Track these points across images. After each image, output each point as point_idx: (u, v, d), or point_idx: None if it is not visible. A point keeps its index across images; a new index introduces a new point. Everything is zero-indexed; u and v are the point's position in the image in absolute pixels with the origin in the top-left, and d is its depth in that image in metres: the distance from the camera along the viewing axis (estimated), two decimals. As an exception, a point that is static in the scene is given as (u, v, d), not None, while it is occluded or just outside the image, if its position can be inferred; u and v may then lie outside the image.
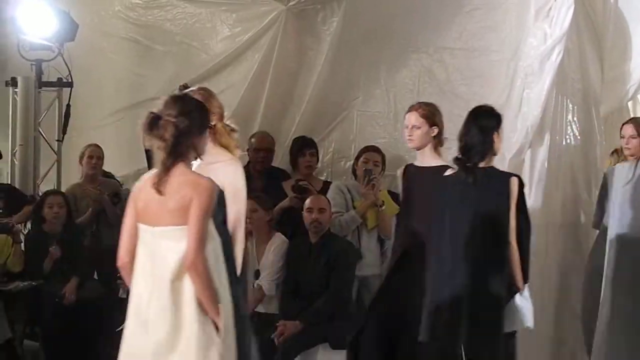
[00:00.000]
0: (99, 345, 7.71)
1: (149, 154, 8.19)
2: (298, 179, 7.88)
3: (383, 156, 7.80)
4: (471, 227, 5.71)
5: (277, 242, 7.33)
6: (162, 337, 4.47)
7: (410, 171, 6.37)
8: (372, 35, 8.51)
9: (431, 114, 6.24)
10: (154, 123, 4.53)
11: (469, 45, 8.14)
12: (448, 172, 5.91)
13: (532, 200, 7.30)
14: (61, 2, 8.92)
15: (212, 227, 4.56)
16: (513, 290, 5.75)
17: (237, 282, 4.85)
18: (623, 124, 7.13)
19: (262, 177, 8.22)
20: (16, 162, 9.15)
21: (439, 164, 6.17)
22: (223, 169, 5.09)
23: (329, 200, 7.39)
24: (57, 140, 9.29)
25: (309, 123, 8.55)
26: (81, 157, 8.65)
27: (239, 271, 5.01)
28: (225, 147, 5.28)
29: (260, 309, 7.20)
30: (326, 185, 7.99)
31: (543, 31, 7.57)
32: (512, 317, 5.77)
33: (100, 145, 8.66)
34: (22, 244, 8.15)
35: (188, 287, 4.45)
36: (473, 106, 7.77)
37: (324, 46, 8.61)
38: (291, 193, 7.75)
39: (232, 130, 5.34)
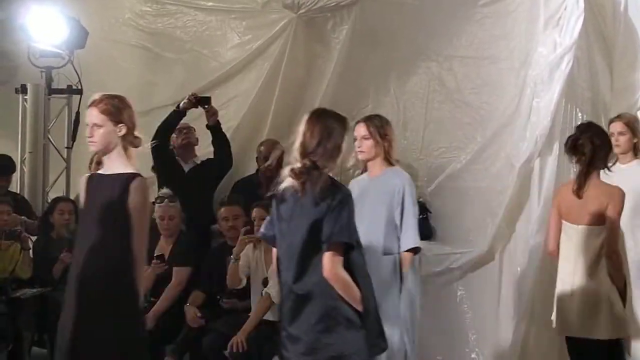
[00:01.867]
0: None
1: (155, 154, 8.19)
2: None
3: (392, 164, 7.79)
4: None
5: (286, 250, 7.30)
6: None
7: (92, 181, 5.31)
8: (382, 44, 8.49)
9: (116, 110, 5.12)
10: (575, 143, 5.82)
11: (478, 54, 8.12)
12: None
13: (541, 208, 7.30)
14: (71, 9, 8.95)
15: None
16: None
17: None
18: (611, 121, 7.11)
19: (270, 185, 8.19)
20: (25, 169, 9.17)
21: (126, 172, 5.12)
22: None
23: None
24: (67, 148, 9.31)
25: (318, 131, 8.52)
26: (90, 163, 8.64)
27: None
28: None
29: (269, 316, 7.17)
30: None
31: (553, 40, 7.54)
32: None
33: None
34: (31, 251, 8.16)
35: (603, 270, 5.79)
36: (482, 114, 7.75)
37: (333, 54, 8.60)
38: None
39: None
